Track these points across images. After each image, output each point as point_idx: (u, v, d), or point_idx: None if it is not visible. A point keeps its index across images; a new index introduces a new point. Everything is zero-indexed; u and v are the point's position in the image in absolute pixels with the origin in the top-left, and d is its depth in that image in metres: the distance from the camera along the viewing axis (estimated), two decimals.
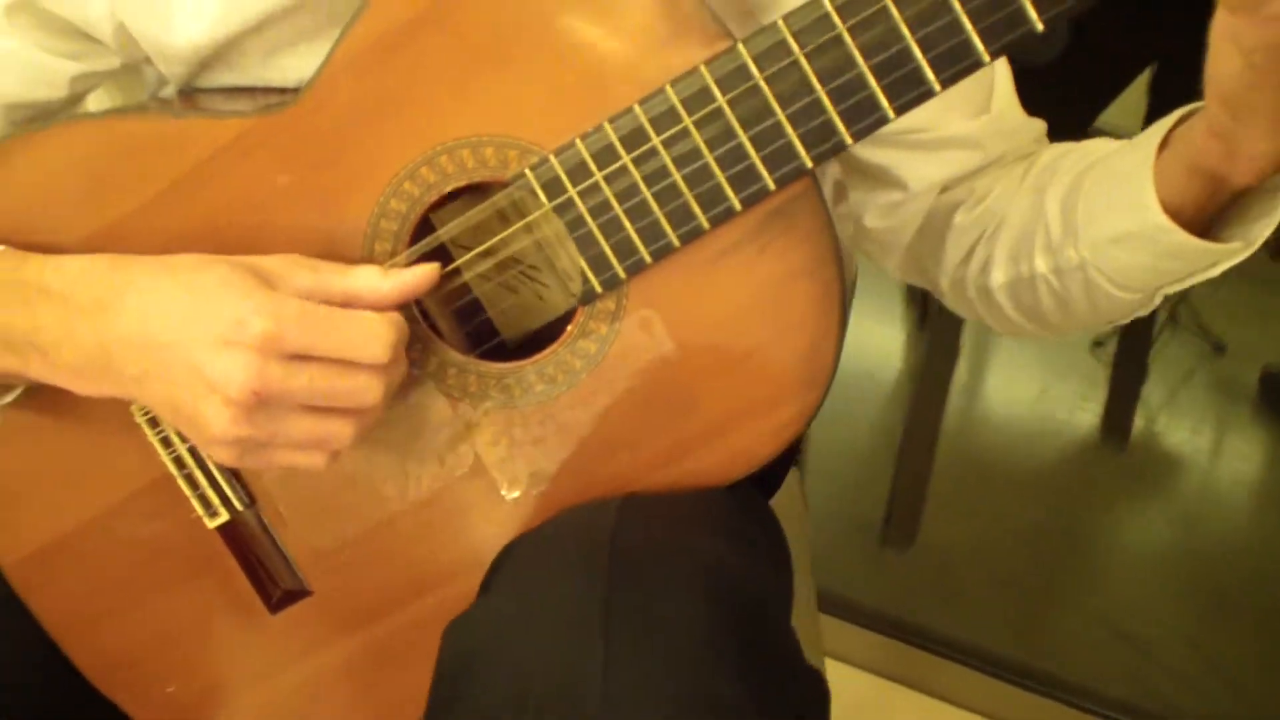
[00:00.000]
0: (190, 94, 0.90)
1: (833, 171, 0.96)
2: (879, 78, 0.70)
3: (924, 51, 0.69)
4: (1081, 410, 2.09)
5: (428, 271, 0.80)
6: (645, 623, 0.67)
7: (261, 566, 0.89)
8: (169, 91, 0.91)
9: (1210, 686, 1.92)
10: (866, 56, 0.70)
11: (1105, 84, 2.03)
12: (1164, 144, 0.80)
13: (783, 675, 0.72)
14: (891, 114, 0.71)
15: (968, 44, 0.69)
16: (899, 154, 0.93)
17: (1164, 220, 0.78)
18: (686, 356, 0.79)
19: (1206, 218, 0.80)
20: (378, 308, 0.78)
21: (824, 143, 0.72)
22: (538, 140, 0.76)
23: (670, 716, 0.64)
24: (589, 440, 0.81)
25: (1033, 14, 0.67)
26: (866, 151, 0.93)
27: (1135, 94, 1.99)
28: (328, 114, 0.79)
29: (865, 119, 0.71)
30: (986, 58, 0.69)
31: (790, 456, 1.13)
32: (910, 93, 0.71)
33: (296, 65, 0.83)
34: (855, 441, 2.17)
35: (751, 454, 0.80)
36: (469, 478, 0.83)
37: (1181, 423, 2.06)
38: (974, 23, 0.68)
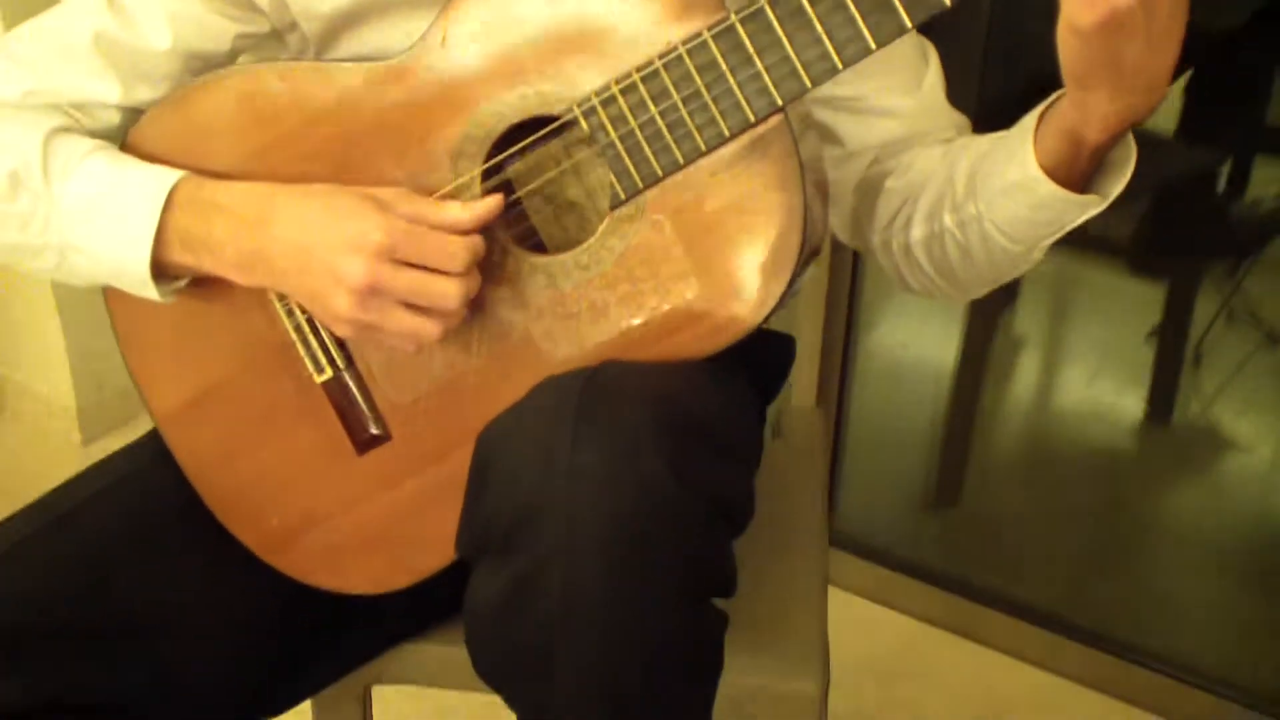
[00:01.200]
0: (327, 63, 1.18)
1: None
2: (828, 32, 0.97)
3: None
4: (1130, 394, 2.19)
5: (494, 203, 1.07)
6: (605, 420, 0.94)
7: (354, 415, 1.15)
8: (307, 59, 1.20)
9: (1243, 650, 2.09)
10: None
11: None
12: (1042, 118, 1.06)
13: (711, 475, 0.97)
14: (837, 63, 0.97)
15: None
16: (841, 116, 1.20)
17: (1038, 172, 1.03)
18: (686, 250, 1.05)
19: (1078, 176, 1.05)
20: (459, 231, 1.05)
21: (792, 81, 0.99)
22: (583, 87, 1.03)
23: (613, 477, 0.91)
24: (610, 315, 1.07)
25: None
26: (817, 111, 1.19)
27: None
28: (425, 73, 1.07)
29: (814, 68, 0.98)
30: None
31: (787, 363, 1.38)
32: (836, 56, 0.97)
33: (408, 33, 1.10)
34: (916, 419, 2.35)
35: (727, 330, 1.06)
36: (521, 345, 1.09)
37: (1230, 407, 2.12)
38: None
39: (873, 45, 0.96)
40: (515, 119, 1.06)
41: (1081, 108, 0.99)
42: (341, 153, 1.10)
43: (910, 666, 2.13)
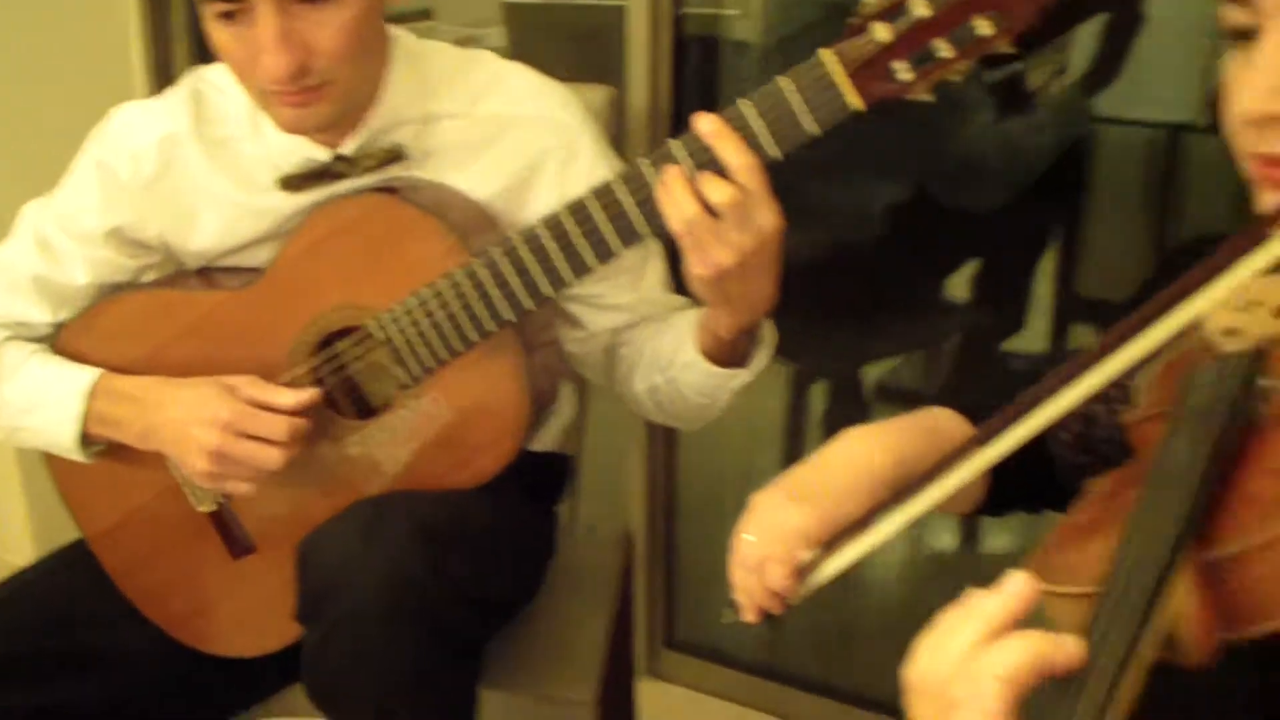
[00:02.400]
0: (204, 270, 1.64)
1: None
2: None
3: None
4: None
5: (310, 395, 1.51)
6: (381, 534, 1.40)
7: (229, 534, 1.62)
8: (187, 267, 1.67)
9: None
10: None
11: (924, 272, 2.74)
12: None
13: (460, 571, 1.42)
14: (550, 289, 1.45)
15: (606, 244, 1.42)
16: (583, 309, 1.66)
17: (696, 356, 1.51)
18: (454, 417, 1.52)
19: (737, 354, 1.52)
20: (287, 412, 1.51)
21: (528, 298, 1.46)
22: (380, 306, 1.50)
23: (384, 571, 1.38)
24: (403, 462, 1.54)
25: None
26: (566, 304, 1.65)
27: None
28: (271, 291, 1.54)
29: (525, 303, 1.45)
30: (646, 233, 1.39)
31: (564, 477, 1.85)
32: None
33: (265, 256, 1.58)
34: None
35: (484, 471, 1.53)
36: (343, 484, 1.56)
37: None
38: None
39: (551, 293, 1.44)
40: (334, 328, 1.53)
41: (712, 318, 1.48)
42: (211, 351, 1.58)
43: None
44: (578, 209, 1.41)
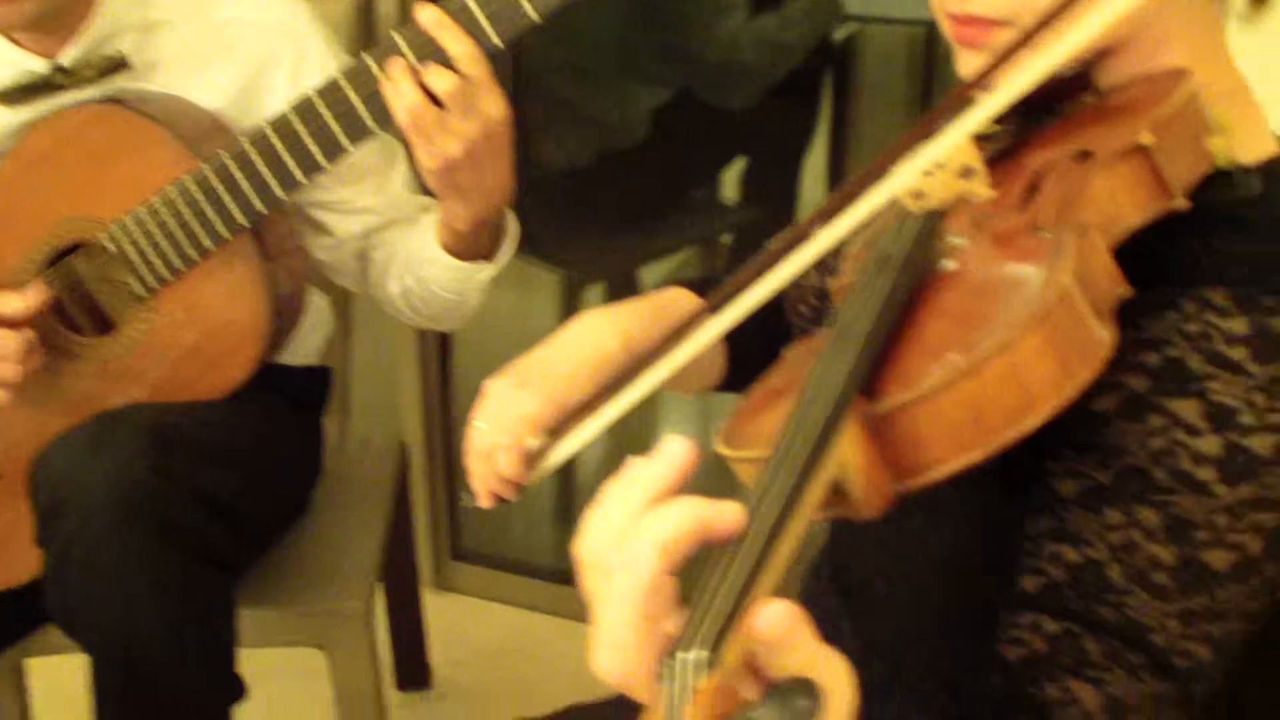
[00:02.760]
0: None
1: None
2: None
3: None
4: None
5: (37, 294, 1.47)
6: (109, 444, 1.40)
7: None
8: None
9: None
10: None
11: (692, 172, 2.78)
12: None
13: (192, 477, 1.43)
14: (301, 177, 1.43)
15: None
16: (329, 215, 1.64)
17: (438, 251, 1.52)
18: (192, 329, 1.50)
19: (481, 246, 1.53)
20: (15, 324, 1.46)
21: (260, 201, 1.44)
22: (111, 217, 1.47)
23: (111, 480, 1.37)
24: (144, 376, 1.51)
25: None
26: (310, 211, 1.63)
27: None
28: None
29: (259, 205, 1.44)
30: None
31: (325, 388, 1.84)
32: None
33: None
34: None
35: (231, 379, 1.51)
36: (82, 401, 1.53)
37: None
38: None
39: (282, 194, 1.43)
40: (64, 244, 1.50)
41: (448, 212, 1.48)
42: None
43: (518, 648, 2.47)
44: (304, 107, 1.40)
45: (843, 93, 2.63)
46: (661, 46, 2.36)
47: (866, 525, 0.78)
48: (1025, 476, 0.88)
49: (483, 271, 1.55)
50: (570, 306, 2.61)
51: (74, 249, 1.51)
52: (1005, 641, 0.86)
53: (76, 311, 1.55)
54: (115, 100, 1.50)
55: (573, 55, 2.37)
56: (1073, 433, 0.84)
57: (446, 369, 2.44)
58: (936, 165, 0.87)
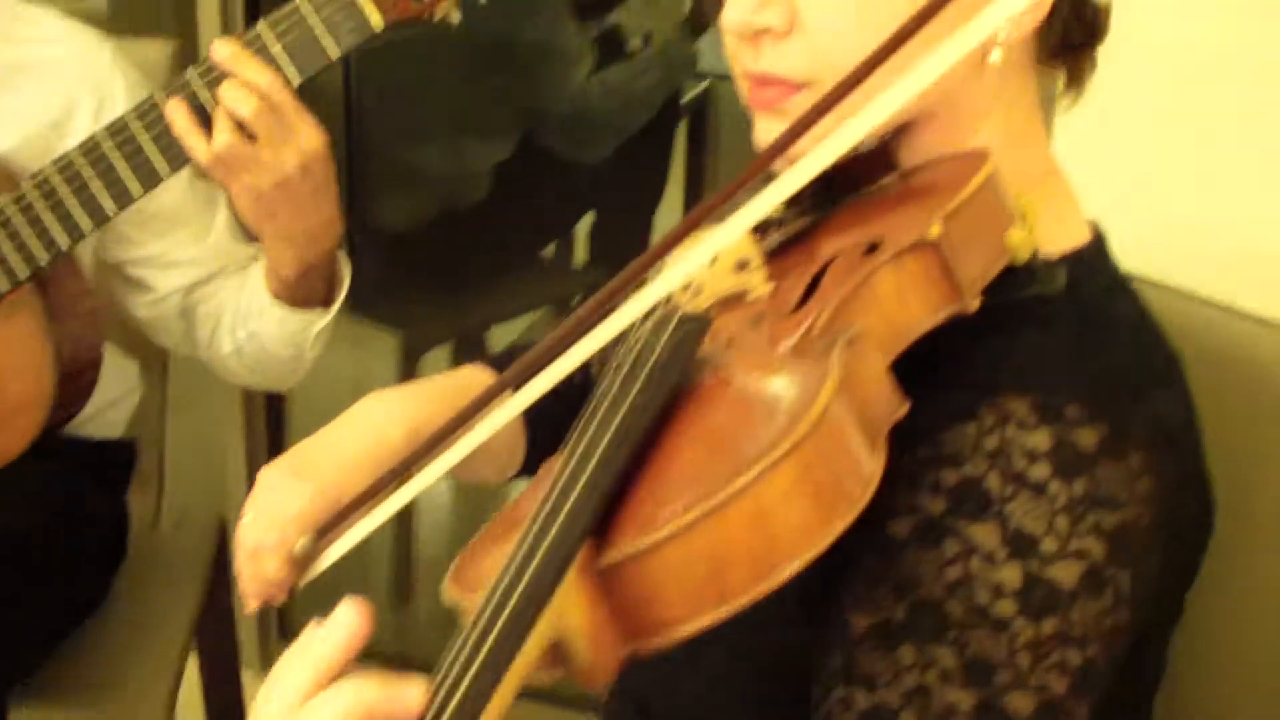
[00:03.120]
0: None
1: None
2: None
3: None
4: None
5: None
6: None
7: None
8: None
9: None
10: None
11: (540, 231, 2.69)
12: None
13: None
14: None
15: None
16: (148, 270, 1.51)
17: (269, 299, 1.39)
18: None
19: (313, 294, 1.40)
20: None
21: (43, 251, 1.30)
22: None
23: None
24: None
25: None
26: (129, 269, 1.50)
27: None
28: None
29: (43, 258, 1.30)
30: None
31: (129, 462, 1.69)
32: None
33: None
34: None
35: (9, 448, 1.36)
36: None
37: None
38: None
39: (65, 244, 1.30)
40: None
41: (274, 257, 1.37)
42: None
43: None
44: (90, 148, 1.29)
45: (696, 149, 2.58)
46: (502, 100, 2.29)
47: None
48: (821, 604, 0.80)
49: (318, 321, 1.42)
50: (410, 371, 2.48)
51: None
52: None
53: None
54: None
55: (408, 111, 2.29)
56: (865, 560, 0.77)
57: (279, 437, 2.31)
58: (711, 257, 0.78)
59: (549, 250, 2.67)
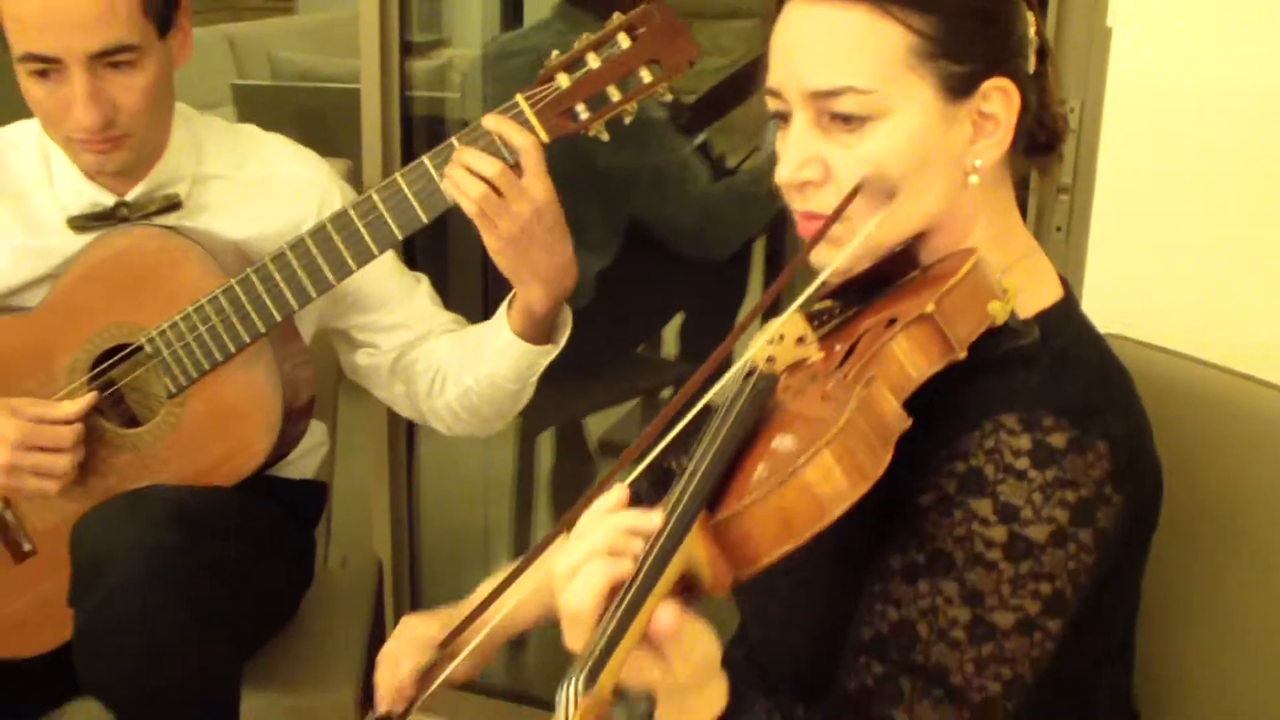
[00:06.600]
0: None
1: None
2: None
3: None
4: None
5: (87, 400, 1.72)
6: (142, 514, 1.63)
7: (9, 539, 1.79)
8: None
9: None
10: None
11: (636, 330, 3.00)
12: (510, 305, 1.76)
13: (210, 547, 1.65)
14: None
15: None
16: (368, 333, 1.91)
17: (512, 337, 1.76)
18: (214, 423, 1.74)
19: (541, 335, 1.76)
20: (67, 422, 1.71)
21: (270, 318, 1.70)
22: (149, 324, 1.72)
23: (144, 546, 1.59)
24: (170, 464, 1.75)
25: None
26: (355, 333, 1.91)
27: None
28: (49, 315, 1.75)
29: (271, 316, 1.70)
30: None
31: (320, 501, 2.07)
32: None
33: (43, 295, 1.79)
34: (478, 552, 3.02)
35: (242, 468, 1.75)
36: (117, 486, 1.75)
37: None
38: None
39: (314, 293, 1.70)
40: (107, 345, 1.75)
41: (524, 296, 1.73)
42: None
43: None
44: (317, 230, 1.70)
45: (774, 256, 2.92)
46: (607, 219, 2.64)
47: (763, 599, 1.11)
48: (865, 554, 1.15)
49: (548, 355, 1.80)
50: (527, 448, 2.86)
51: (115, 350, 1.75)
52: (846, 674, 1.12)
53: (108, 406, 1.79)
54: (161, 225, 1.78)
55: None
56: (902, 522, 1.12)
57: (412, 500, 2.68)
58: (779, 335, 1.14)
59: (641, 347, 3.03)
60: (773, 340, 1.13)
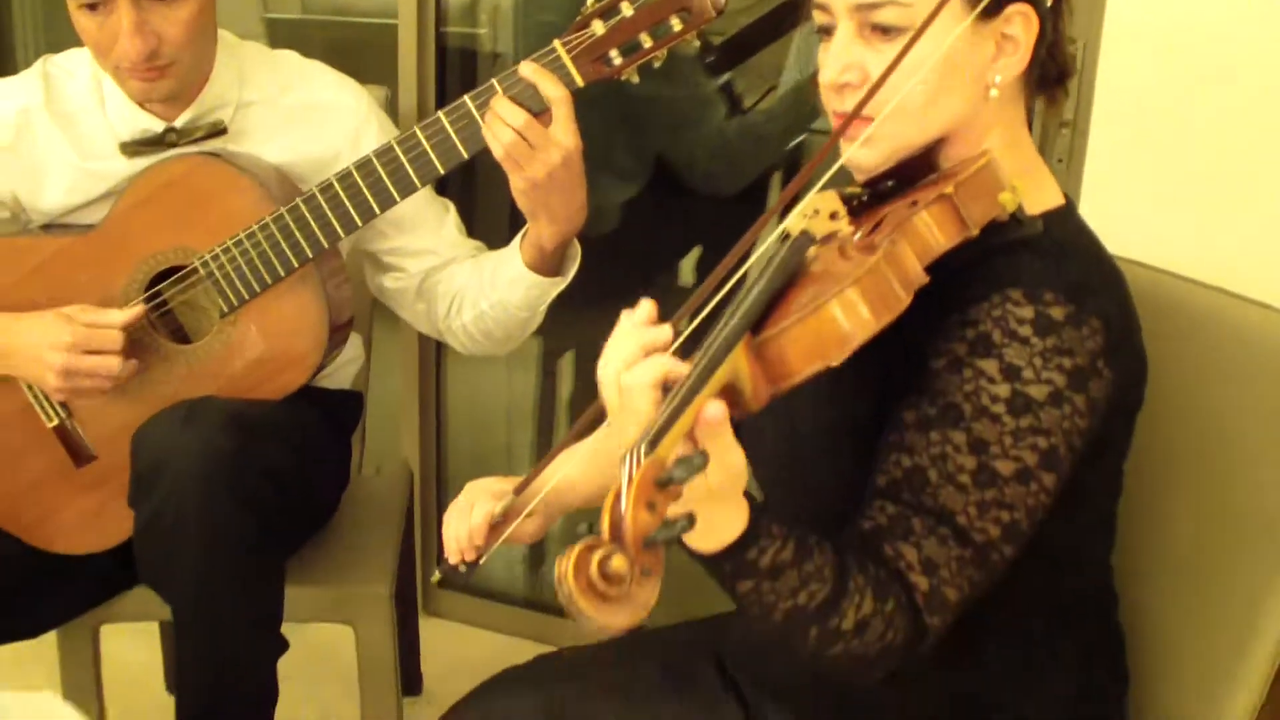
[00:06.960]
0: (47, 225, 1.96)
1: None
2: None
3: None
4: None
5: (138, 310, 1.84)
6: (198, 422, 1.76)
7: (73, 443, 1.93)
8: (35, 223, 1.98)
9: None
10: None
11: (655, 261, 3.07)
12: (523, 237, 1.88)
13: (262, 452, 1.79)
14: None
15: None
16: (397, 256, 2.03)
17: (523, 268, 1.88)
18: (263, 339, 1.87)
19: (551, 266, 1.89)
20: (119, 327, 1.83)
21: (318, 244, 1.82)
22: (203, 247, 1.84)
23: (200, 450, 1.73)
24: (220, 377, 1.88)
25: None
26: (384, 256, 2.03)
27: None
28: (107, 237, 1.88)
29: (319, 242, 1.82)
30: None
31: (357, 412, 2.21)
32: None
33: (102, 214, 1.91)
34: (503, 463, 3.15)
35: (291, 383, 1.88)
36: (170, 397, 1.88)
37: None
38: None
39: (360, 223, 1.82)
40: (162, 267, 1.87)
41: (536, 232, 1.85)
42: (55, 290, 1.89)
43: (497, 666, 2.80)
44: (363, 163, 1.82)
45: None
46: (637, 148, 2.73)
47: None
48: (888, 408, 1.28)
49: (558, 285, 1.92)
50: (547, 370, 2.99)
51: (171, 272, 1.88)
52: (862, 518, 1.24)
53: (160, 326, 1.91)
54: (211, 153, 1.89)
55: None
56: (916, 381, 1.25)
57: (441, 415, 2.81)
58: (814, 209, 1.24)
59: (661, 275, 3.13)
60: (807, 214, 1.23)
